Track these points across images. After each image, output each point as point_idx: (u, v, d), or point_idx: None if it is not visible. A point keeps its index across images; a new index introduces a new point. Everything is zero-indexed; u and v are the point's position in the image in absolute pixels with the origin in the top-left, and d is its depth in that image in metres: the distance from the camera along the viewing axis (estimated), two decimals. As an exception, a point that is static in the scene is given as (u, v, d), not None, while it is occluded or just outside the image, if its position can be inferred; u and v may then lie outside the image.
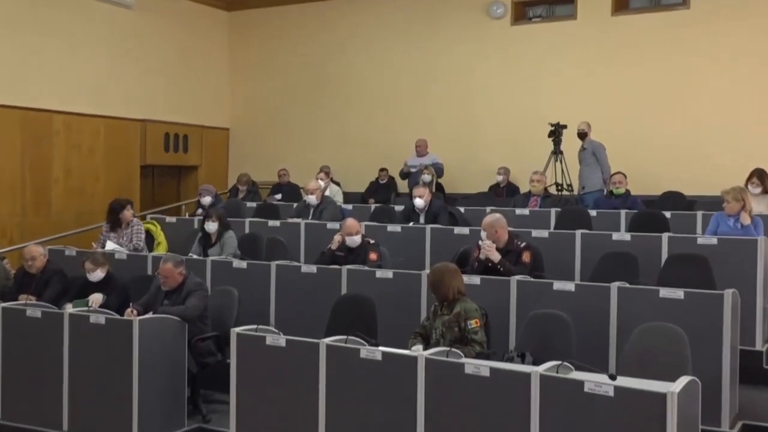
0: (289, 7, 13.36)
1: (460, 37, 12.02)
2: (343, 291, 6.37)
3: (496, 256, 6.08)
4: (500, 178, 10.83)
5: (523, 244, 6.22)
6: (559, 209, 8.46)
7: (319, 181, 9.84)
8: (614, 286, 5.53)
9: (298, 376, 4.66)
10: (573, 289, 5.65)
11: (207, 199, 9.84)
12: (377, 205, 10.02)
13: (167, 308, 5.80)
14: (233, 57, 13.98)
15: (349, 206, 10.02)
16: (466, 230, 7.65)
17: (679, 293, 5.29)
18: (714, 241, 6.61)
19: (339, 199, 10.73)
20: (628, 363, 4.60)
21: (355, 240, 6.92)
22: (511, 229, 6.35)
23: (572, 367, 3.92)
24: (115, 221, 8.30)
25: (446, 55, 12.13)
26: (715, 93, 10.42)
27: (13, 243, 10.03)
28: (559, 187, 9.84)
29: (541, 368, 3.90)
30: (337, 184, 11.48)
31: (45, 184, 10.99)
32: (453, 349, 4.39)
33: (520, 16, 11.85)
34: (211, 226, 7.83)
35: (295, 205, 9.58)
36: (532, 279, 5.96)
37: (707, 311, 5.17)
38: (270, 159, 12.88)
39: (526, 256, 6.15)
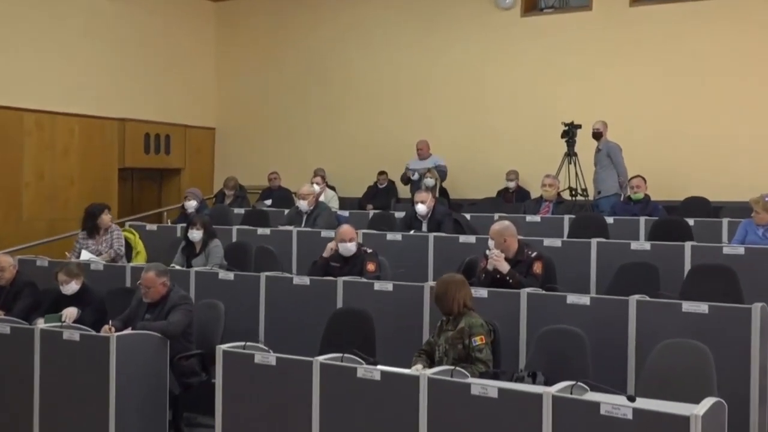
0: (281, -4, 13.43)
1: (466, 30, 12.03)
2: (339, 304, 6.36)
3: (504, 267, 6.08)
4: (510, 183, 10.83)
5: (534, 254, 6.23)
6: (573, 216, 8.50)
7: (313, 185, 9.86)
8: (633, 299, 5.53)
9: (290, 398, 4.65)
10: (588, 302, 5.66)
11: (192, 204, 9.83)
12: (376, 211, 10.04)
13: (148, 323, 5.81)
14: (220, 51, 14.00)
15: (346, 212, 10.03)
16: (472, 239, 7.66)
17: (703, 307, 5.30)
18: (741, 250, 6.62)
19: (334, 204, 10.75)
20: (648, 383, 4.61)
21: (349, 248, 6.90)
22: (521, 237, 6.36)
23: (587, 388, 3.92)
24: (92, 227, 8.32)
25: (450, 50, 12.14)
26: (747, 91, 10.34)
27: (-20, 253, 10.04)
28: (573, 192, 9.83)
29: (554, 389, 3.90)
30: (333, 188, 11.50)
31: (15, 189, 11.00)
32: (458, 368, 4.38)
33: (530, 6, 11.88)
34: (195, 235, 7.84)
35: (286, 211, 9.59)
36: (544, 292, 5.96)
37: (734, 326, 5.17)
38: (259, 161, 12.90)
39: (537, 267, 6.15)
